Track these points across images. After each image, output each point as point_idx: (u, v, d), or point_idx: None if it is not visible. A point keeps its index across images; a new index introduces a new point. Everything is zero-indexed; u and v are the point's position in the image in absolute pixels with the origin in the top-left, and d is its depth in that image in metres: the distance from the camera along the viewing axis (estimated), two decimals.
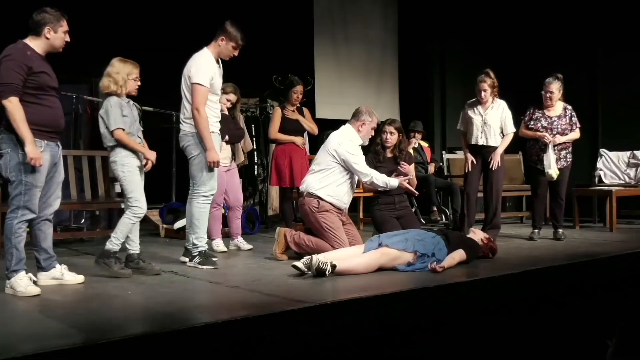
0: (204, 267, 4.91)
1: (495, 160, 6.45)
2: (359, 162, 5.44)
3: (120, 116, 4.58)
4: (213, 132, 5.02)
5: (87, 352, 2.65)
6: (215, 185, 5.08)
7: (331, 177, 5.40)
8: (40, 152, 3.96)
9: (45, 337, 2.92)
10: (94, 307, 3.69)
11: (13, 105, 3.86)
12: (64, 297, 3.95)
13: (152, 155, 4.69)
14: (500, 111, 6.52)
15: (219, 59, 5.10)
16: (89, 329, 3.06)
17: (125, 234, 4.65)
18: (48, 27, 4.06)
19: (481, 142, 6.52)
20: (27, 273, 3.99)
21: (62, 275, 4.26)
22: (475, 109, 6.57)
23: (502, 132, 6.53)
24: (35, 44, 4.06)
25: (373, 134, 5.68)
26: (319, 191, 5.38)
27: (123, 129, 4.59)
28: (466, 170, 6.62)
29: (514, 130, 6.58)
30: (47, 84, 4.04)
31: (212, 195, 5.07)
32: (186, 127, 5.01)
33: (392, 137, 5.94)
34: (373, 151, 6.00)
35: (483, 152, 6.54)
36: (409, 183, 5.74)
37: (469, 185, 6.60)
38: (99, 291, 4.09)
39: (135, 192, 4.63)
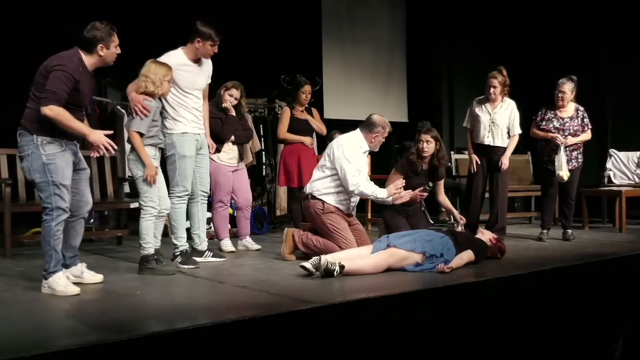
0: (185, 266, 4.93)
1: (505, 164, 6.44)
2: (350, 170, 5.25)
3: (147, 121, 4.60)
4: (186, 132, 5.06)
5: (94, 351, 2.66)
6: (189, 186, 5.11)
7: (336, 183, 5.37)
8: (62, 151, 3.98)
9: (54, 337, 2.95)
10: (102, 306, 3.71)
11: (55, 112, 3.84)
12: (71, 297, 3.95)
13: (150, 171, 4.64)
14: (509, 111, 6.48)
15: (201, 59, 5.13)
16: (97, 328, 3.07)
17: (150, 234, 4.69)
18: (101, 45, 4.05)
19: (487, 141, 6.47)
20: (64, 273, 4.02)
21: (82, 274, 4.27)
22: (483, 107, 6.51)
23: (508, 133, 6.51)
24: (87, 59, 4.07)
25: (383, 141, 5.54)
26: (324, 196, 5.37)
27: (142, 135, 4.61)
28: (471, 171, 6.57)
29: (520, 132, 6.55)
30: (77, 102, 4.03)
31: (186, 195, 5.10)
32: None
33: (428, 146, 5.73)
34: (407, 160, 5.83)
35: (489, 152, 6.50)
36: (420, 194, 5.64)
37: (476, 187, 6.55)
38: (108, 291, 4.11)
39: (148, 192, 4.67)
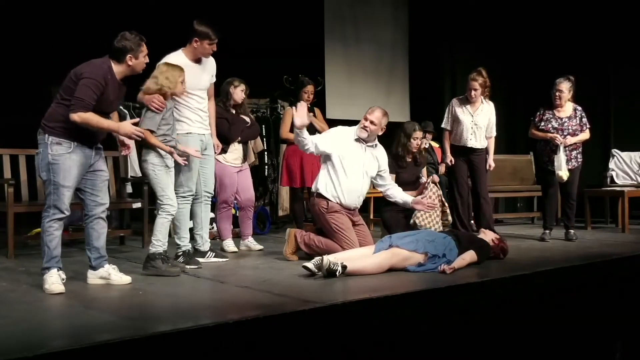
0: (188, 267, 4.93)
1: (493, 165, 6.48)
2: (320, 135, 5.49)
3: (157, 119, 4.61)
4: (191, 132, 5.08)
5: (96, 351, 2.67)
6: (193, 186, 5.13)
7: (324, 172, 5.40)
8: (68, 152, 4.05)
9: (57, 337, 2.96)
10: (104, 306, 3.72)
11: (82, 118, 3.96)
12: (74, 297, 3.97)
13: (178, 157, 4.69)
14: (489, 113, 6.47)
15: (201, 58, 5.13)
16: (99, 328, 3.08)
17: (164, 233, 4.71)
18: (130, 55, 4.14)
19: (470, 143, 6.44)
20: (59, 271, 4.07)
21: (109, 275, 4.29)
22: (464, 108, 6.47)
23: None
24: (116, 68, 4.15)
25: (371, 128, 5.41)
26: (322, 190, 5.37)
27: (153, 131, 4.61)
28: (449, 163, 6.55)
29: (495, 134, 6.56)
30: (101, 108, 4.11)
31: (190, 195, 5.13)
32: None
33: (421, 143, 6.17)
34: (394, 156, 5.98)
35: (469, 154, 6.49)
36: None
37: (462, 188, 6.54)
38: (111, 290, 4.12)
39: (165, 191, 4.69)
